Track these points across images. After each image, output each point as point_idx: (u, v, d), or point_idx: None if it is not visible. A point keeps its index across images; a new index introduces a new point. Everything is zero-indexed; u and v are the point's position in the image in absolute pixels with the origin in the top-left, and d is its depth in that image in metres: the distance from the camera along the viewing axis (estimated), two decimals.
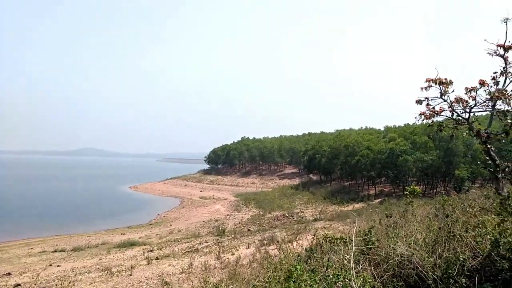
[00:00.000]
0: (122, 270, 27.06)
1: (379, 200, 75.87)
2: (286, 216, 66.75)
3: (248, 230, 53.85)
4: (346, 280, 8.86)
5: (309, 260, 11.41)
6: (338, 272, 9.45)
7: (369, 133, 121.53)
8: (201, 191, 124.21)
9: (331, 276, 9.12)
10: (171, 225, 63.63)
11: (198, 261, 29.99)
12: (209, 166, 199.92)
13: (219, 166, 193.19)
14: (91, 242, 49.22)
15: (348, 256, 11.02)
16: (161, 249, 39.70)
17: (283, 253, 13.23)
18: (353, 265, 10.59)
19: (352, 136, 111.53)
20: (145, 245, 44.45)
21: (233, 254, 33.80)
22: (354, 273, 9.86)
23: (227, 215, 74.35)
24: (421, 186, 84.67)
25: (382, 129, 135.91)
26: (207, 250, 37.35)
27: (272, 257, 14.23)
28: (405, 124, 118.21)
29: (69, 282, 24.52)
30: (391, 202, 55.69)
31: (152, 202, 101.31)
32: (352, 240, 12.71)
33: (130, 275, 24.96)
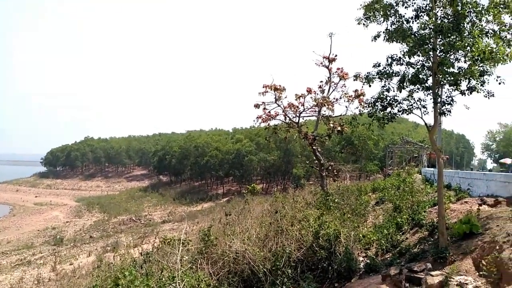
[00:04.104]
0: None
1: (227, 198, 78.58)
2: (133, 219, 64.63)
3: (91, 237, 51.04)
4: (179, 281, 8.93)
5: (145, 264, 11.23)
6: (174, 273, 9.49)
7: (218, 134, 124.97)
8: (36, 196, 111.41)
9: (164, 279, 9.10)
10: None
11: (30, 274, 27.15)
12: (46, 169, 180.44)
13: (58, 169, 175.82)
14: None
15: (186, 257, 11.16)
16: None
17: (120, 259, 12.76)
18: (190, 265, 10.76)
19: (202, 137, 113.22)
20: None
21: (71, 264, 31.59)
22: (191, 272, 10.02)
23: (67, 222, 68.40)
24: (264, 184, 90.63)
25: (231, 130, 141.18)
26: (42, 262, 34.32)
27: (113, 264, 13.57)
28: (251, 126, 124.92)
29: None
30: (237, 200, 58.11)
31: None
32: (191, 241, 12.89)
33: None
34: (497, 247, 7.58)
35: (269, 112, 19.69)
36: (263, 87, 19.27)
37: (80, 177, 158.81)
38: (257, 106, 19.51)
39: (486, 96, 9.62)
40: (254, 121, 20.07)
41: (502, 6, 8.89)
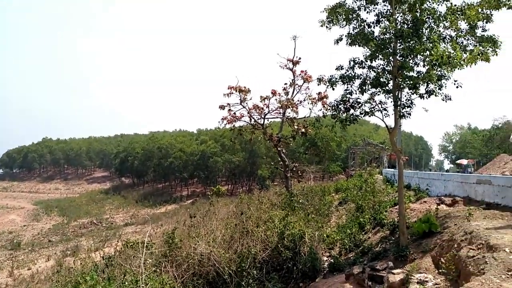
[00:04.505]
0: None
1: (191, 200, 77.79)
2: (94, 223, 62.97)
3: (49, 241, 49.32)
4: (142, 285, 8.75)
5: (107, 268, 10.93)
6: (137, 277, 9.29)
7: (183, 135, 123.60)
8: None
9: (127, 283, 8.89)
10: None
11: None
12: (2, 171, 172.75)
13: (15, 171, 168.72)
14: None
15: (149, 260, 10.96)
16: None
17: (81, 263, 12.36)
18: (154, 268, 10.56)
19: (166, 138, 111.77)
20: None
21: (29, 269, 30.55)
22: (154, 276, 9.85)
23: (24, 225, 65.72)
24: (230, 186, 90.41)
25: (195, 131, 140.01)
26: None
27: (73, 269, 13.12)
28: (216, 127, 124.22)
29: None
30: (202, 202, 57.68)
31: None
32: (155, 244, 12.67)
33: None
34: (455, 245, 7.87)
35: (234, 113, 19.65)
36: (228, 89, 19.22)
37: (38, 179, 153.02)
38: (222, 107, 19.42)
39: (443, 100, 10.00)
40: (219, 122, 19.96)
41: (459, 13, 9.26)
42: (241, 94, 19.35)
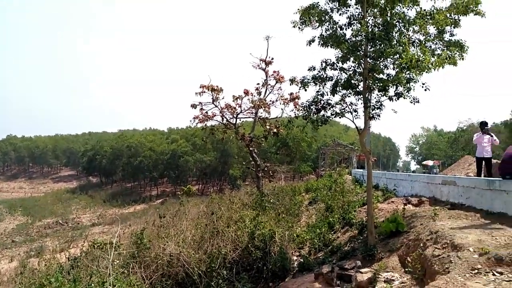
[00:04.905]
0: None
1: (161, 200, 76.96)
2: (60, 223, 61.44)
3: (13, 241, 47.84)
4: (109, 287, 8.54)
5: (72, 269, 10.61)
6: (104, 279, 9.06)
7: (153, 134, 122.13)
8: None
9: (93, 285, 8.66)
10: None
11: None
12: None
13: None
14: None
15: (117, 262, 10.72)
16: None
17: (45, 264, 11.96)
18: (122, 269, 10.34)
19: (135, 136, 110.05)
20: None
21: None
22: (122, 277, 9.63)
23: None
24: (201, 185, 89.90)
25: (166, 130, 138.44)
26: None
27: (38, 270, 12.69)
28: (187, 126, 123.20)
29: None
30: (172, 202, 57.08)
31: None
32: (123, 244, 12.40)
33: None
34: (421, 245, 8.04)
35: (206, 112, 19.51)
36: (200, 87, 19.06)
37: (1, 178, 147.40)
38: (193, 106, 19.25)
39: (412, 102, 10.21)
40: (190, 121, 19.77)
41: (428, 17, 9.48)
42: (213, 93, 19.24)
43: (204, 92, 19.11)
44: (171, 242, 11.28)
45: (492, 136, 13.30)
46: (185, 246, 11.20)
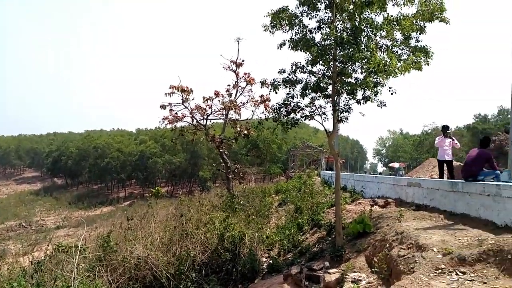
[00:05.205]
0: None
1: (129, 202, 75.63)
2: (23, 225, 59.53)
3: None
4: None
5: (36, 273, 10.27)
6: (69, 283, 8.82)
7: (121, 134, 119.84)
8: None
9: None
10: None
11: None
12: None
13: None
14: None
15: (83, 265, 10.46)
16: None
17: (8, 268, 11.52)
18: (88, 273, 10.09)
19: (102, 137, 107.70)
20: None
21: None
22: (88, 281, 9.40)
23: None
24: (170, 187, 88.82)
25: (134, 131, 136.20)
26: None
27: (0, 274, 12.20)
28: (156, 127, 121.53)
29: None
30: (140, 204, 56.15)
31: None
32: (88, 247, 12.11)
33: None
34: (387, 245, 8.22)
35: (176, 113, 19.34)
36: (170, 88, 18.88)
37: None
38: (163, 107, 19.04)
39: (379, 106, 10.46)
40: (160, 122, 19.55)
41: (395, 23, 9.74)
42: (183, 94, 19.09)
43: (174, 92, 18.95)
44: (138, 244, 11.09)
45: (453, 139, 13.80)
46: (153, 249, 11.04)
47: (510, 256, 5.49)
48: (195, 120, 19.82)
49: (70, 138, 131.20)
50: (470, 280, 5.44)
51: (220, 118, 20.93)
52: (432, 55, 10.04)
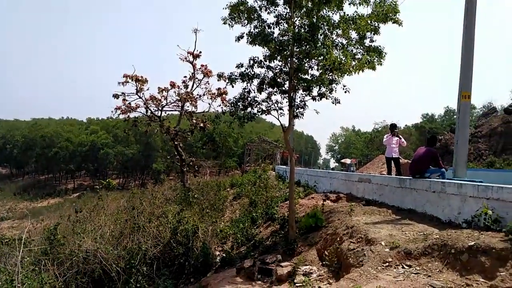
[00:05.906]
0: None
1: (78, 194, 72.92)
2: None
3: None
4: (18, 285, 7.97)
5: None
6: (12, 276, 8.42)
7: (70, 124, 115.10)
8: None
9: (0, 283, 8.03)
10: None
11: None
12: None
13: None
14: None
15: (27, 258, 10.01)
16: None
17: None
18: (33, 267, 9.68)
19: (51, 126, 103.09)
20: None
21: None
22: (33, 275, 9.02)
23: None
24: (122, 179, 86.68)
25: (85, 120, 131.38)
26: None
27: None
28: (108, 117, 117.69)
29: None
30: (90, 196, 54.36)
31: None
32: (34, 240, 11.61)
33: None
34: (338, 239, 8.45)
35: (129, 103, 18.82)
36: (124, 77, 18.31)
37: None
38: (116, 96, 18.45)
39: (333, 103, 10.71)
40: (112, 112, 18.93)
41: (350, 22, 9.94)
42: (137, 83, 18.59)
43: (128, 82, 18.41)
44: (87, 238, 10.77)
45: (400, 138, 14.40)
46: (102, 242, 10.75)
47: (453, 250, 5.78)
48: (149, 111, 19.38)
49: (16, 126, 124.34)
50: (415, 273, 5.68)
51: (175, 110, 20.60)
52: (385, 56, 10.34)
